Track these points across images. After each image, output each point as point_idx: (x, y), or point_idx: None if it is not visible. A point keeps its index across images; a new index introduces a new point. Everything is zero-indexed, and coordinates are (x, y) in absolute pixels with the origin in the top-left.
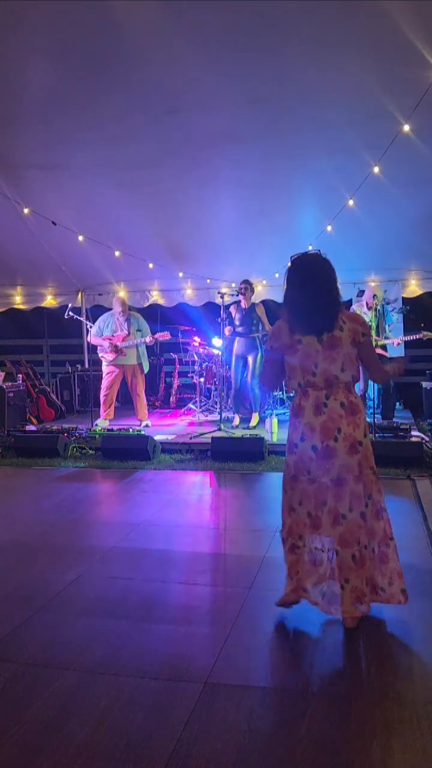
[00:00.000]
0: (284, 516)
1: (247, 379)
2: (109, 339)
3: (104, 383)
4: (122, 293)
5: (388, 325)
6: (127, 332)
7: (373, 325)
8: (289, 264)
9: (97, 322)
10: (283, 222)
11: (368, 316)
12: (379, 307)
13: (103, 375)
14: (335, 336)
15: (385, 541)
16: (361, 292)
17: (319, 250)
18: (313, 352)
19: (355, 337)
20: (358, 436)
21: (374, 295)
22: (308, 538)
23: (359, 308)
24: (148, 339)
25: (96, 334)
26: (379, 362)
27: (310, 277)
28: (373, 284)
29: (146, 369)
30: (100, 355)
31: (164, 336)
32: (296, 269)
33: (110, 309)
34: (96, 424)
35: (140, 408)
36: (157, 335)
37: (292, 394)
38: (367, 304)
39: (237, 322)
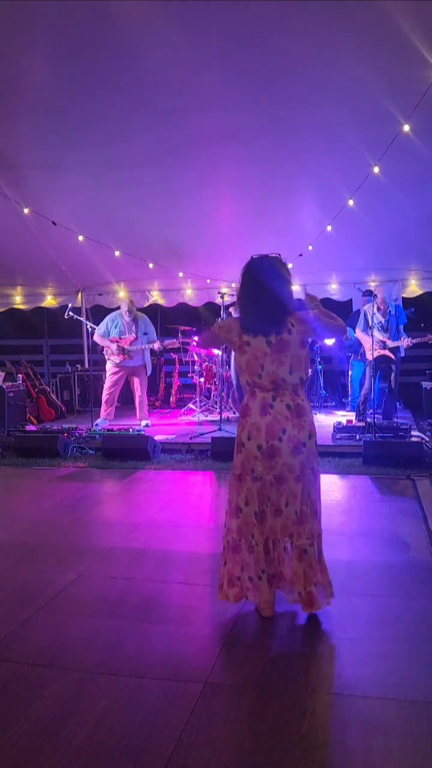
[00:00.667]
0: (229, 519)
1: None
2: (117, 341)
3: (108, 383)
4: (122, 293)
5: (402, 326)
6: (135, 335)
7: (373, 325)
8: (244, 266)
9: (104, 322)
10: (283, 222)
11: (378, 317)
12: (391, 309)
13: (107, 375)
14: (284, 339)
15: (310, 540)
16: (368, 292)
17: (278, 255)
18: (260, 355)
19: (304, 338)
20: (302, 438)
21: (383, 297)
22: (257, 535)
23: (370, 309)
24: (156, 345)
25: (102, 334)
26: (328, 317)
27: (262, 281)
28: (373, 284)
29: (150, 371)
30: (106, 355)
31: (173, 344)
32: (249, 271)
33: (110, 309)
34: (96, 424)
35: (140, 408)
36: (166, 343)
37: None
38: (377, 305)
39: None
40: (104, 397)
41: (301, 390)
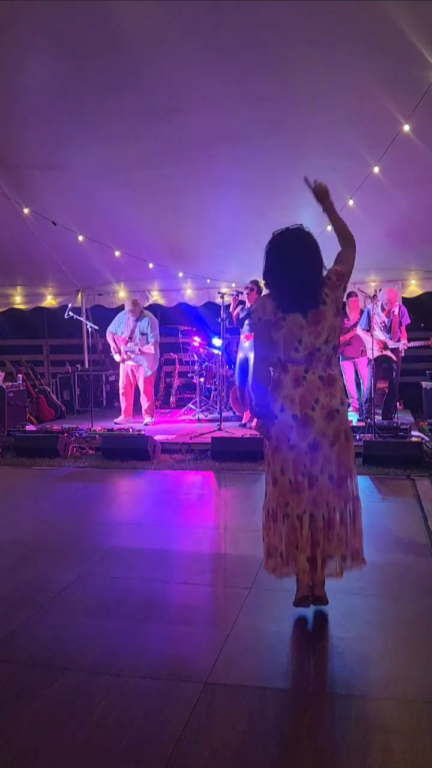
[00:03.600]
0: (267, 487)
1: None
2: (116, 340)
3: (119, 382)
4: (122, 293)
5: (404, 327)
6: (128, 336)
7: (376, 326)
8: (269, 241)
9: (114, 320)
10: (283, 222)
11: (381, 317)
12: (395, 309)
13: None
14: (320, 311)
15: (351, 501)
16: (351, 293)
17: (301, 225)
18: (296, 329)
19: (338, 305)
20: (335, 404)
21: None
22: (292, 504)
23: (373, 308)
24: (136, 349)
25: (112, 330)
26: (339, 227)
27: (291, 254)
28: (372, 284)
29: (148, 372)
30: (112, 353)
31: (148, 350)
32: (277, 246)
33: (110, 309)
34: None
35: (143, 405)
36: (144, 348)
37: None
38: (382, 305)
39: (240, 322)
40: (120, 394)
41: (333, 358)
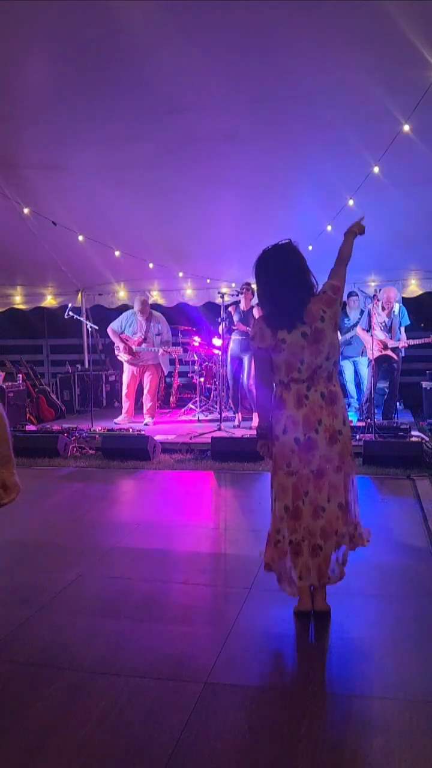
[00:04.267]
0: (271, 508)
1: (243, 379)
2: (126, 339)
3: (123, 381)
4: (122, 293)
5: (404, 327)
6: (143, 337)
7: (376, 326)
8: (256, 263)
9: (119, 318)
10: (283, 222)
11: (382, 317)
12: (395, 309)
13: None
14: (318, 329)
15: (354, 525)
16: (352, 293)
17: (289, 240)
18: (298, 350)
19: (336, 320)
20: (337, 425)
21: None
22: (284, 530)
23: (374, 308)
24: (160, 352)
25: (116, 329)
26: (346, 252)
27: (277, 273)
28: (372, 284)
29: (166, 370)
30: (116, 352)
31: (177, 351)
32: (262, 267)
33: (110, 309)
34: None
35: (145, 405)
36: (171, 350)
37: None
38: (382, 305)
39: (235, 323)
40: (123, 396)
41: (334, 374)
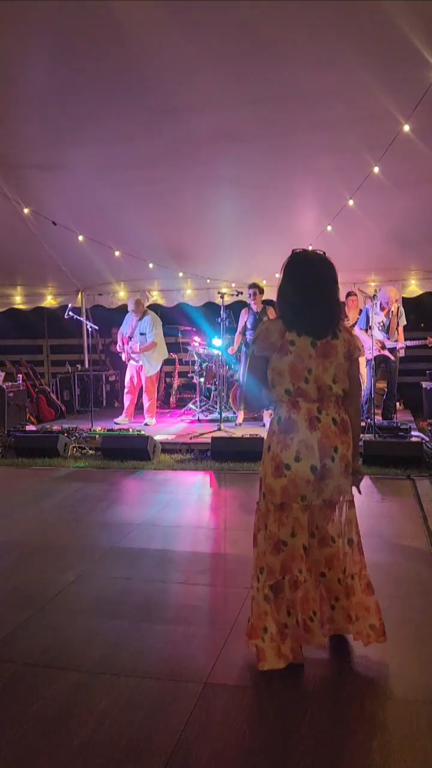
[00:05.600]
0: (265, 560)
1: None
2: (123, 339)
3: (125, 381)
4: (122, 293)
5: (402, 327)
6: (129, 336)
7: (374, 325)
8: (290, 258)
9: (124, 320)
10: (283, 222)
11: (380, 317)
12: (393, 308)
13: None
14: (330, 343)
15: (361, 572)
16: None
17: (324, 253)
18: (305, 356)
19: (350, 349)
20: (350, 457)
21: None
22: (305, 570)
23: (372, 308)
24: (135, 348)
25: (120, 330)
26: (360, 387)
27: (317, 277)
28: (372, 284)
29: (149, 372)
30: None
31: (146, 349)
32: (302, 266)
33: (110, 309)
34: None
35: (144, 405)
36: (134, 347)
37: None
38: (381, 305)
39: (249, 326)
40: (123, 393)
41: (342, 404)
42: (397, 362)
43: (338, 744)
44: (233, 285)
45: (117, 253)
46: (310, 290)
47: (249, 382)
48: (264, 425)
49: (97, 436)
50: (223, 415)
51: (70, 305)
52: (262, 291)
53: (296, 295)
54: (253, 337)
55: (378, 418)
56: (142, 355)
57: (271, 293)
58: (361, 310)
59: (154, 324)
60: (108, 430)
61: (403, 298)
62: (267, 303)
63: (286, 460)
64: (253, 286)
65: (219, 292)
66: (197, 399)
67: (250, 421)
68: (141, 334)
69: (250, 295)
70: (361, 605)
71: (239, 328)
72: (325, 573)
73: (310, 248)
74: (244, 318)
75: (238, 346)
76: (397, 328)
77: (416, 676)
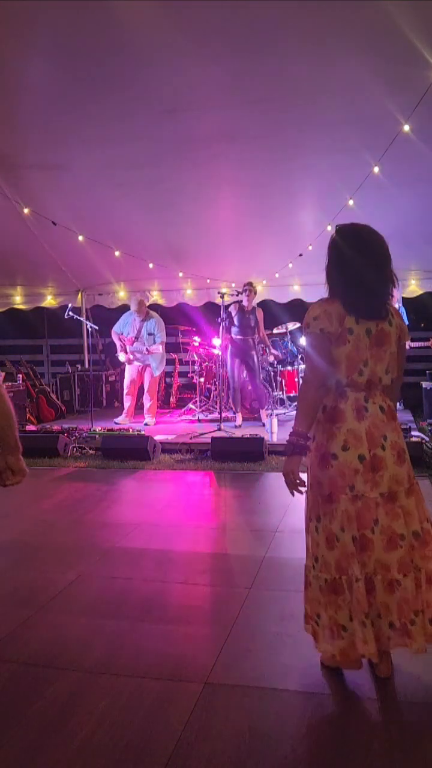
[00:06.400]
0: (319, 551)
1: (247, 380)
2: (123, 340)
3: (124, 381)
4: (122, 293)
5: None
6: (134, 337)
7: None
8: (337, 233)
9: (120, 319)
10: (283, 222)
11: None
12: (396, 308)
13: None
14: (384, 331)
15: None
16: None
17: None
18: (363, 347)
19: (401, 335)
20: (402, 444)
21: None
22: (356, 566)
23: None
24: (144, 350)
25: (117, 330)
26: (401, 377)
27: (373, 253)
28: None
29: (156, 372)
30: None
31: (155, 349)
32: (352, 238)
33: (110, 309)
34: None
35: (145, 405)
36: (151, 348)
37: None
38: None
39: (236, 323)
40: (123, 393)
41: (387, 391)
42: None
43: (338, 744)
44: (233, 285)
45: (117, 253)
46: (365, 263)
47: (311, 373)
48: (264, 425)
49: (97, 436)
50: (223, 415)
51: (70, 305)
52: (255, 292)
53: (351, 272)
54: (310, 316)
55: None
56: (150, 355)
57: (271, 293)
58: None
59: (160, 324)
60: (108, 430)
61: (403, 298)
62: (264, 302)
63: (333, 449)
64: (249, 284)
65: (219, 292)
66: (197, 399)
67: (250, 420)
68: (149, 334)
69: (244, 292)
70: (429, 602)
71: (227, 326)
72: (400, 580)
73: (309, 248)
74: (233, 315)
75: (226, 343)
76: None
77: (416, 676)
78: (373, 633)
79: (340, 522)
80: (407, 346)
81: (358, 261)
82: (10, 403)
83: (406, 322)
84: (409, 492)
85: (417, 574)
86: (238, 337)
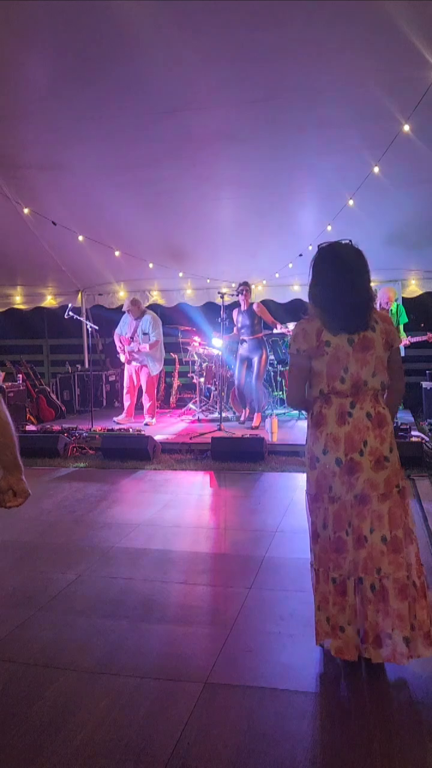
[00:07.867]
0: (311, 544)
1: (251, 380)
2: (122, 340)
3: (124, 381)
4: (122, 293)
5: (402, 325)
6: (130, 336)
7: None
8: (316, 254)
9: (121, 320)
10: (283, 222)
11: None
12: (392, 308)
13: None
14: (367, 337)
15: (409, 572)
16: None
17: (350, 241)
18: (342, 356)
19: (388, 339)
20: (384, 451)
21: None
22: (333, 565)
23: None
24: (140, 347)
25: (118, 331)
26: (403, 371)
27: (346, 270)
28: (372, 284)
29: (153, 371)
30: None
31: (143, 348)
32: (329, 260)
33: (110, 309)
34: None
35: (145, 405)
36: (141, 346)
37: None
38: (380, 305)
39: (239, 325)
40: (123, 393)
41: (381, 397)
42: None
43: (338, 744)
44: (233, 285)
45: (117, 253)
46: (339, 283)
47: (291, 391)
48: (263, 425)
49: (97, 436)
50: (223, 415)
51: (70, 305)
52: (250, 291)
53: (326, 291)
54: (291, 336)
55: None
56: (146, 354)
57: (271, 293)
58: None
59: (154, 322)
60: (108, 430)
61: (403, 298)
62: (264, 302)
63: (316, 452)
64: (243, 284)
65: (219, 292)
66: (197, 399)
67: (251, 418)
68: (144, 333)
69: (239, 293)
70: (398, 613)
71: (234, 329)
72: (362, 579)
73: (309, 248)
74: (236, 317)
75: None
76: (397, 327)
77: (417, 676)
78: (348, 631)
79: (323, 519)
80: (406, 342)
81: (335, 279)
82: (10, 421)
83: (406, 320)
84: (384, 497)
85: (385, 583)
86: (243, 338)
